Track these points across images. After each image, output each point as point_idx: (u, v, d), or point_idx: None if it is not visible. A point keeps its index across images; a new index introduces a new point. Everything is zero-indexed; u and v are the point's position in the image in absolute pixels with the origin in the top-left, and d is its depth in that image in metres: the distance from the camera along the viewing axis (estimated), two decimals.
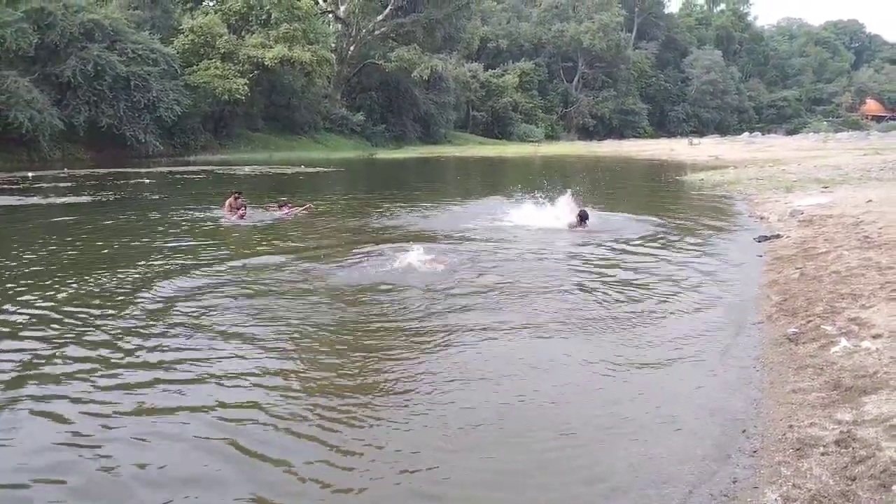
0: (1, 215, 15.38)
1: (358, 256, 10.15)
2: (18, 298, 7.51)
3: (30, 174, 26.85)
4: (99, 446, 4.25)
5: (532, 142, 73.68)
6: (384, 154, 52.04)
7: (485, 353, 5.97)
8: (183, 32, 43.88)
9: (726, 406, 4.91)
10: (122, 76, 36.64)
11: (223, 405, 4.86)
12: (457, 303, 7.48)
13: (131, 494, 3.75)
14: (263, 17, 46.49)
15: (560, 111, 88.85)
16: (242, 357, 5.79)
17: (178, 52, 41.73)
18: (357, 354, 5.88)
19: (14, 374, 5.34)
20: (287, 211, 14.72)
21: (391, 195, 18.96)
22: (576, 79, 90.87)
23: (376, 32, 60.66)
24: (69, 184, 23.36)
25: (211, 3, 50.65)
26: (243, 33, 46.60)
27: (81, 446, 4.25)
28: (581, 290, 8.15)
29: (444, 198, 19.34)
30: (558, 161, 44.28)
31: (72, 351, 5.88)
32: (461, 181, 31.54)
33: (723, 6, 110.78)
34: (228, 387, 5.18)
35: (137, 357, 5.77)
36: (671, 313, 7.18)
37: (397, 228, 13.31)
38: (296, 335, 6.37)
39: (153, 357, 5.76)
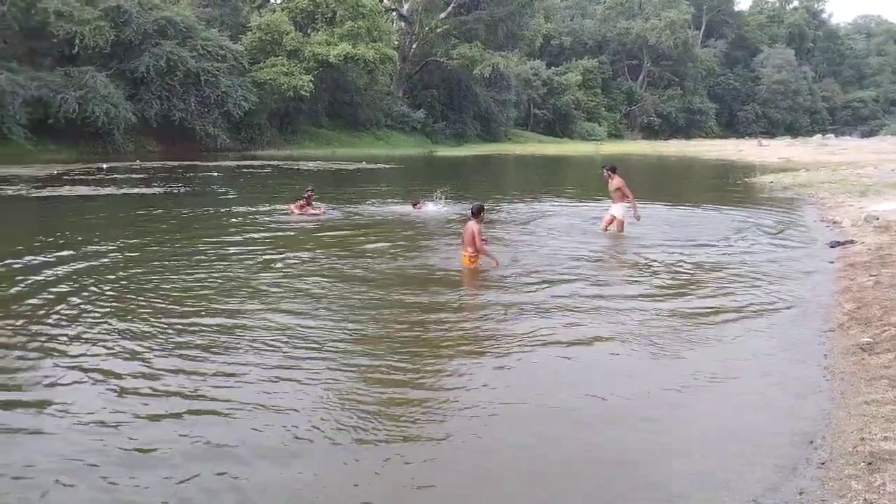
0: (79, 205, 16.05)
1: (425, 252, 10.20)
2: (104, 288, 7.83)
3: (105, 165, 27.99)
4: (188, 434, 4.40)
5: (594, 140, 72.75)
6: (444, 151, 52.19)
7: (548, 357, 5.89)
8: (251, 30, 45.00)
9: (793, 416, 4.75)
10: (192, 72, 37.75)
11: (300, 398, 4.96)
12: (522, 304, 7.45)
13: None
14: (329, 14, 47.21)
15: (624, 109, 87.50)
16: (305, 350, 5.89)
17: (245, 49, 42.74)
18: (421, 356, 5.89)
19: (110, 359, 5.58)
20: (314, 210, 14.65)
21: (450, 191, 18.98)
22: (641, 77, 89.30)
23: (438, 30, 60.88)
24: (141, 175, 24.22)
25: (278, 1, 51.73)
26: (309, 31, 47.43)
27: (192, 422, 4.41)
28: (646, 295, 7.98)
29: (503, 194, 19.28)
30: (621, 160, 43.50)
31: (163, 339, 6.09)
32: (521, 178, 31.42)
33: (795, 3, 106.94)
34: (302, 384, 5.27)
35: (215, 344, 5.93)
36: (738, 320, 6.98)
37: (454, 224, 13.34)
38: (361, 329, 6.45)
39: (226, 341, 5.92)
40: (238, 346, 5.91)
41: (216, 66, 38.74)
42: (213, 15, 44.76)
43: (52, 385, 5.05)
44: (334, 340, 6.09)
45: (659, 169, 38.24)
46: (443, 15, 60.49)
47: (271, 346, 5.90)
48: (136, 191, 19.19)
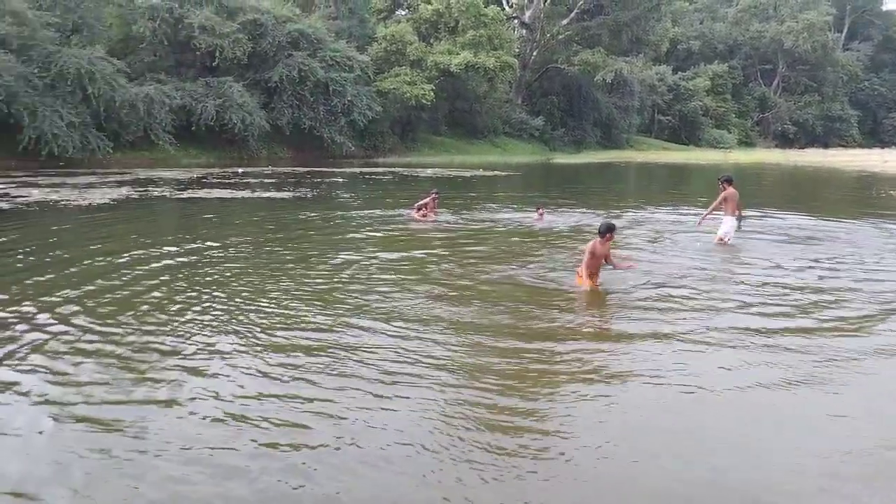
0: (216, 207, 17.09)
1: (541, 264, 9.99)
2: (235, 284, 8.28)
3: (240, 170, 29.75)
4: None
5: (723, 148, 69.61)
6: (562, 158, 51.62)
7: (659, 365, 5.69)
8: (377, 41, 46.46)
9: None
10: (321, 82, 39.36)
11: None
12: (637, 307, 7.25)
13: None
14: (451, 24, 47.94)
15: (756, 116, 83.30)
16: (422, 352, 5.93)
17: (371, 60, 44.09)
18: (532, 358, 5.82)
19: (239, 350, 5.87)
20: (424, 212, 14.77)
21: (566, 199, 18.69)
22: (775, 82, 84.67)
23: (560, 36, 60.32)
24: (273, 180, 25.49)
25: (403, 13, 53.05)
26: (431, 41, 48.34)
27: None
28: (772, 304, 7.52)
29: (622, 202, 18.78)
30: (752, 169, 41.45)
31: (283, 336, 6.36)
32: (642, 187, 30.52)
33: None
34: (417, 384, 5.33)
35: (326, 345, 6.11)
36: (867, 341, 6.43)
37: (571, 231, 13.11)
38: (476, 332, 6.43)
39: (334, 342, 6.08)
40: (342, 354, 5.83)
41: (343, 77, 40.19)
42: (342, 27, 46.51)
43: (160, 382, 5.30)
44: (440, 355, 5.84)
45: (796, 179, 36.02)
46: (565, 21, 59.91)
47: (375, 355, 5.78)
48: (267, 195, 20.19)
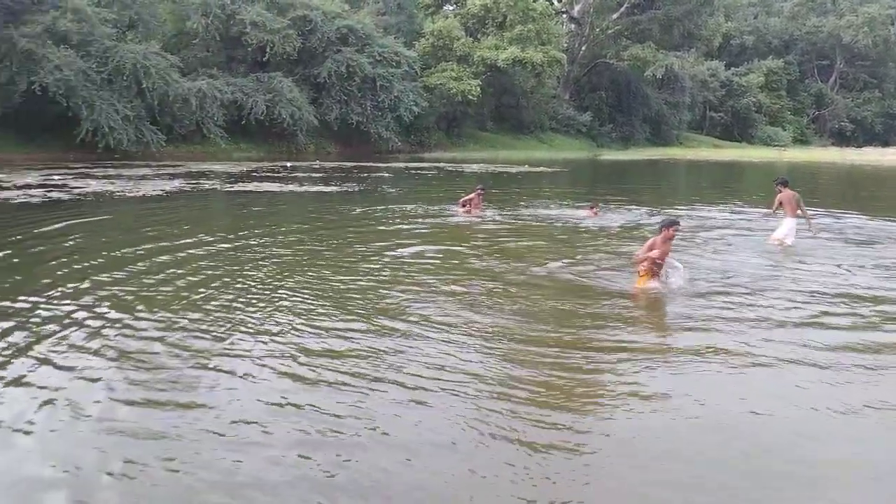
0: (265, 200, 17.36)
1: (594, 261, 9.72)
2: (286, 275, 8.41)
3: (288, 164, 30.20)
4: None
5: (776, 146, 67.84)
6: (610, 155, 50.99)
7: (714, 379, 5.42)
8: (424, 36, 46.55)
9: None
10: (369, 77, 39.64)
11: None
12: (686, 313, 7.05)
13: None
14: (499, 19, 47.74)
15: (811, 114, 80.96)
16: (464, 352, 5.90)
17: (418, 55, 44.22)
18: (573, 363, 5.74)
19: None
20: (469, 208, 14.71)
21: (615, 196, 18.42)
22: (832, 78, 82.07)
23: (610, 31, 59.57)
24: (320, 174, 25.79)
25: (451, 8, 53.06)
26: (479, 36, 48.22)
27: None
28: (832, 314, 7.22)
29: (672, 200, 18.44)
30: (807, 168, 40.27)
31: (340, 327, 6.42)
32: (693, 185, 29.97)
33: None
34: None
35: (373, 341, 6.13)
36: None
37: (623, 229, 12.93)
38: (516, 332, 6.31)
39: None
40: (378, 351, 5.73)
41: (391, 72, 40.39)
42: (390, 22, 46.75)
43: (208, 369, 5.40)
44: (477, 354, 5.70)
45: (853, 178, 34.91)
46: (615, 16, 59.12)
47: (411, 354, 5.65)
48: (315, 189, 20.42)
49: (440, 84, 43.71)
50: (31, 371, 5.08)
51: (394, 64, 40.88)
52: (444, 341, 5.94)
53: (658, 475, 3.90)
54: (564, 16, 60.69)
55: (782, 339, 6.17)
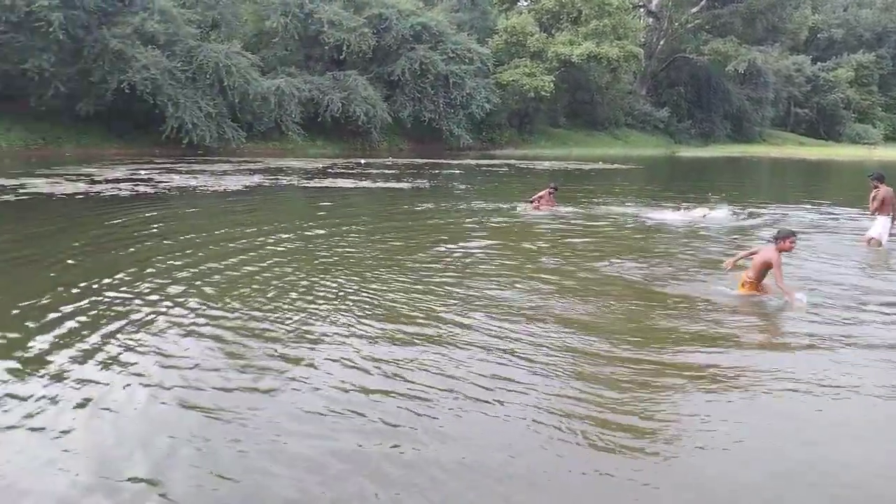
0: (339, 195, 17.69)
1: (682, 266, 9.19)
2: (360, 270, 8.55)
3: (362, 161, 30.69)
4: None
5: (866, 144, 64.52)
6: (688, 152, 49.67)
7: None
8: (497, 33, 46.40)
9: None
10: (442, 74, 39.81)
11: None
12: (769, 319, 6.77)
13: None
14: (574, 14, 47.13)
15: None
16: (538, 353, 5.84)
17: (491, 52, 44.13)
18: (641, 367, 5.60)
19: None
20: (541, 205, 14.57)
21: (691, 195, 17.88)
22: None
23: (689, 25, 57.95)
24: (393, 171, 26.08)
25: (525, 3, 52.71)
26: (553, 31, 47.73)
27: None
28: None
29: (756, 201, 17.76)
30: None
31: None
32: (777, 184, 28.88)
33: None
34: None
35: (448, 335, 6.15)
36: None
37: (709, 230, 12.54)
38: (584, 332, 6.17)
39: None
40: (441, 349, 5.65)
41: (463, 69, 40.47)
42: (464, 19, 46.81)
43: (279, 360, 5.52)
44: (541, 354, 5.52)
45: None
46: (695, 9, 57.45)
47: (475, 352, 5.57)
48: (387, 185, 20.68)
49: (513, 80, 43.50)
50: (115, 354, 5.33)
51: (466, 61, 40.93)
52: (506, 342, 5.80)
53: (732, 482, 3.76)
54: (642, 10, 59.37)
55: (886, 360, 5.60)
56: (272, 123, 34.64)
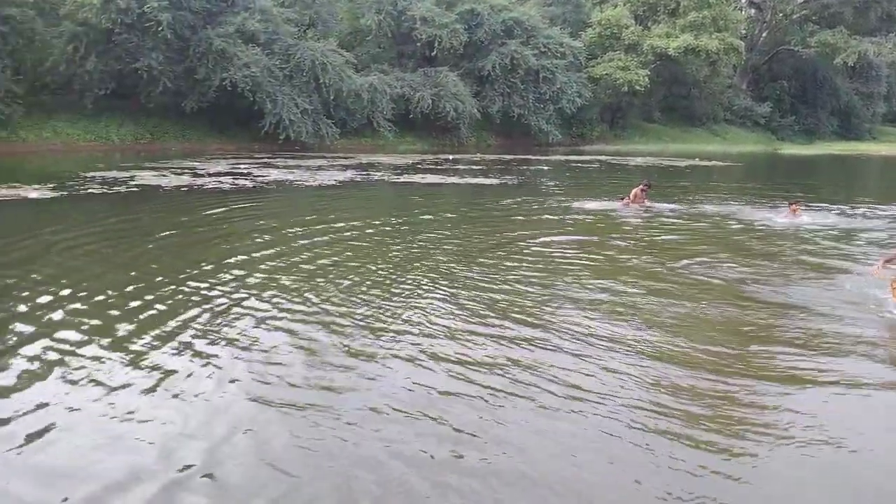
0: (427, 191, 17.87)
1: (799, 273, 8.59)
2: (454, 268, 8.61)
3: (450, 156, 30.86)
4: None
5: None
6: (790, 149, 47.33)
7: None
8: (591, 26, 45.58)
9: None
10: (532, 69, 39.48)
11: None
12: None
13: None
14: (671, 6, 45.73)
15: None
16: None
17: (584, 46, 43.40)
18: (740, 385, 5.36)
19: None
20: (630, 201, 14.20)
21: (793, 195, 16.99)
22: None
23: (795, 16, 55.10)
24: (481, 167, 26.10)
25: None
26: (649, 24, 46.48)
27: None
28: None
29: (863, 199, 16.71)
30: None
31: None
32: (889, 184, 27.13)
33: None
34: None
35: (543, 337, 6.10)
36: None
37: (823, 234, 11.89)
38: (678, 341, 5.92)
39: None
40: (522, 354, 5.50)
41: (554, 64, 39.99)
42: (557, 13, 46.25)
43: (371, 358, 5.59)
44: (628, 364, 5.26)
45: None
46: (800, 0, 54.60)
47: (555, 359, 5.36)
48: (475, 181, 20.72)
49: (606, 74, 42.64)
50: (189, 342, 5.54)
51: (558, 55, 40.43)
52: (588, 348, 5.59)
53: None
54: (744, 1, 56.93)
55: None
56: (364, 120, 35.29)
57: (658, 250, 9.88)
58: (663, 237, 11.18)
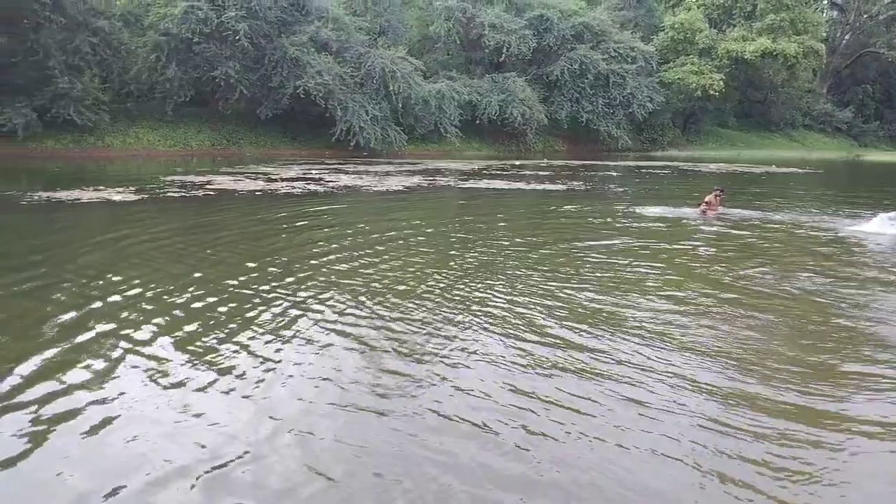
0: (492, 197, 17.86)
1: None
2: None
3: (517, 162, 30.80)
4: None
5: None
6: (874, 156, 45.21)
7: None
8: (663, 30, 44.75)
9: None
10: (602, 74, 39.06)
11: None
12: None
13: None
14: (748, 9, 44.48)
15: None
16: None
17: (656, 50, 42.64)
18: (820, 398, 5.17)
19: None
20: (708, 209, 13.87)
21: (877, 204, 16.21)
22: None
23: (881, 17, 52.78)
24: (547, 173, 25.93)
25: None
26: (724, 27, 45.31)
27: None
28: None
29: None
30: None
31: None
32: None
33: None
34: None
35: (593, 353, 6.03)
36: None
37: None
38: (751, 353, 5.77)
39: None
40: (589, 360, 5.53)
41: (625, 68, 39.46)
42: (628, 17, 45.64)
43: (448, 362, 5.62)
44: (699, 373, 5.26)
45: None
46: (887, 0, 52.27)
47: (625, 366, 5.37)
48: (541, 187, 20.58)
49: (678, 79, 41.81)
50: (246, 343, 5.65)
51: (629, 60, 39.89)
52: (658, 353, 5.52)
53: None
54: (825, 2, 54.83)
55: None
56: (432, 126, 35.63)
57: (733, 259, 9.59)
58: (738, 245, 10.85)
